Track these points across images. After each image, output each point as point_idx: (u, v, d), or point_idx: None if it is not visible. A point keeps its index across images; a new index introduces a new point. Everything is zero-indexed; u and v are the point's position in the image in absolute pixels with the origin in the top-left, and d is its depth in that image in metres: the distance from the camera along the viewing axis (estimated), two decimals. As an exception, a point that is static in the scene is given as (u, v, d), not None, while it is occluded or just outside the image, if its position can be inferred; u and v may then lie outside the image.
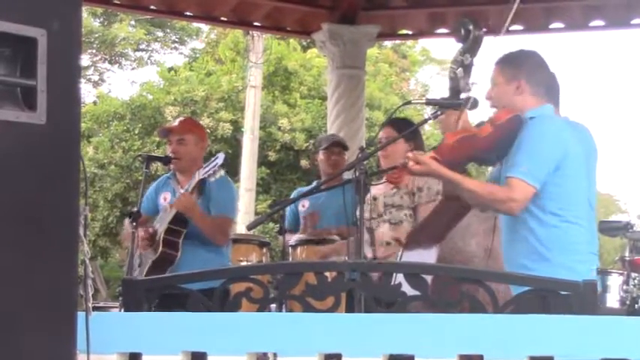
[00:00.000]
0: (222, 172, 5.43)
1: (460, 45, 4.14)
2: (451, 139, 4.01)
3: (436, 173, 4.01)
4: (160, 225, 5.64)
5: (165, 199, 5.84)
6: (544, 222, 3.96)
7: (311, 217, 6.35)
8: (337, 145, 6.57)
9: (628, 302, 7.60)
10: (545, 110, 4.12)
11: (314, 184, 6.61)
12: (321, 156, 6.58)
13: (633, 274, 7.79)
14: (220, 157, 5.40)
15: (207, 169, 5.39)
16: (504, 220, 4.13)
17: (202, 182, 5.47)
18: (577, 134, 4.13)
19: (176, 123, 6.00)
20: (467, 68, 4.12)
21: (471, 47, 4.12)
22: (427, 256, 4.64)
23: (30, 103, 2.45)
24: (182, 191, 5.66)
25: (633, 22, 8.80)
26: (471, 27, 4.12)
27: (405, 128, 5.44)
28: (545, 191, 3.94)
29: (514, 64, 4.15)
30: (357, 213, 4.51)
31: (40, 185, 2.47)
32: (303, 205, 6.47)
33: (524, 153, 3.94)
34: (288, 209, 6.60)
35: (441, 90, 28.30)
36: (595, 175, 4.59)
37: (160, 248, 5.54)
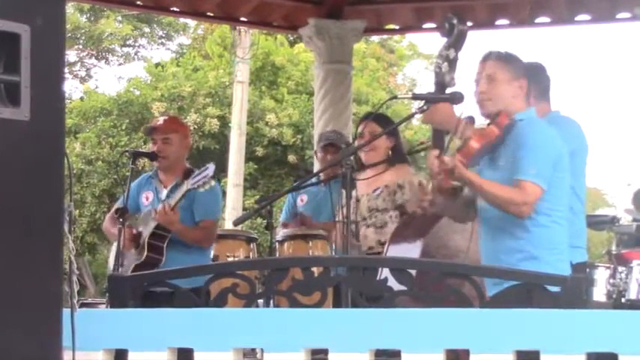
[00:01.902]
0: (212, 183, 5.41)
1: (445, 40, 4.15)
2: (476, 145, 4.04)
3: (463, 175, 4.03)
4: (144, 228, 5.62)
5: (147, 198, 5.82)
6: (536, 221, 4.01)
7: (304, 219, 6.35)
8: (331, 146, 6.57)
9: (615, 296, 7.62)
10: (532, 113, 4.17)
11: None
12: (318, 153, 6.61)
13: (620, 268, 7.81)
14: (210, 169, 5.37)
15: (196, 179, 5.36)
16: (487, 216, 4.14)
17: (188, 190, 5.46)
18: (562, 132, 4.16)
19: (161, 121, 5.95)
20: (452, 63, 4.13)
21: (456, 42, 4.13)
22: (412, 249, 4.65)
23: (14, 99, 2.45)
24: (164, 193, 5.65)
25: (618, 16, 8.82)
26: (455, 22, 4.13)
27: (387, 124, 5.47)
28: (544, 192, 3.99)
29: (518, 64, 4.17)
30: (343, 209, 4.52)
31: (24, 182, 2.46)
32: (302, 200, 6.48)
33: (528, 155, 3.98)
34: (286, 203, 6.61)
35: (428, 84, 28.26)
36: (585, 169, 4.61)
37: (145, 252, 5.51)
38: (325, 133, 6.95)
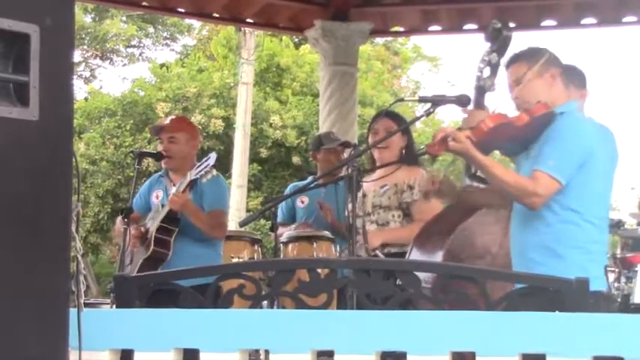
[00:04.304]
0: (214, 172, 5.41)
1: (488, 44, 4.13)
2: (489, 124, 3.96)
3: (469, 153, 3.94)
4: (152, 223, 5.63)
5: (157, 197, 5.82)
6: (562, 218, 3.95)
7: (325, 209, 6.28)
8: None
9: (620, 300, 7.62)
10: (572, 106, 4.12)
11: (309, 179, 6.57)
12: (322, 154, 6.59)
13: (625, 272, 7.82)
14: (212, 158, 5.37)
15: (199, 169, 5.37)
16: (518, 211, 4.10)
17: (194, 182, 5.46)
18: (602, 135, 4.12)
19: (167, 121, 5.97)
20: (494, 68, 4.12)
21: (500, 47, 4.11)
22: (437, 252, 4.62)
23: (22, 99, 2.45)
24: (173, 190, 5.63)
25: (625, 20, 8.81)
26: (499, 26, 4.11)
27: (400, 121, 5.44)
28: (568, 187, 3.92)
29: (542, 55, 4.12)
30: (349, 210, 4.51)
31: (32, 181, 2.46)
32: (302, 201, 6.45)
33: (552, 148, 3.92)
34: (281, 203, 6.58)
35: (432, 87, 28.35)
36: (613, 177, 4.61)
37: (152, 247, 5.51)
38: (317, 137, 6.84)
